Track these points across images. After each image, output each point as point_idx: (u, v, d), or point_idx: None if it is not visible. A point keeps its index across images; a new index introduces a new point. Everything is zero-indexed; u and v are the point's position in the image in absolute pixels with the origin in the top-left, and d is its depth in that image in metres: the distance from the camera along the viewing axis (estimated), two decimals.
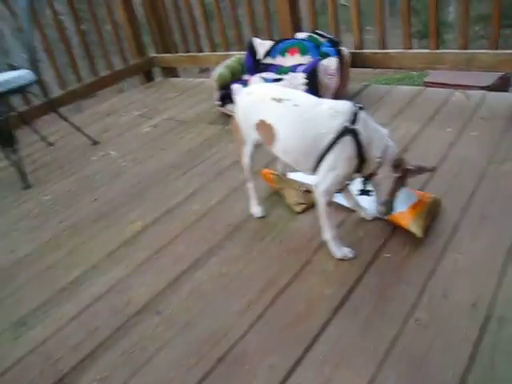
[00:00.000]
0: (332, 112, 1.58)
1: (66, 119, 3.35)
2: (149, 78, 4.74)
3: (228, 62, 3.48)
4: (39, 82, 2.99)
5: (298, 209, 2.01)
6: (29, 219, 2.53)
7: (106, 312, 1.71)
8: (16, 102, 3.72)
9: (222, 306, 1.62)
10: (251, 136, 1.83)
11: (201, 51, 4.28)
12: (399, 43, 3.02)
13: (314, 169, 1.64)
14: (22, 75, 2.83)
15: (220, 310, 1.60)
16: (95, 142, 3.38)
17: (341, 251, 1.69)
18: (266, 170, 2.24)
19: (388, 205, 1.66)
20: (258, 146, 1.88)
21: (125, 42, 4.54)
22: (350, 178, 1.67)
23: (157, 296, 1.73)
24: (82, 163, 3.10)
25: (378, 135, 1.58)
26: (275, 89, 1.81)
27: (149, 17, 4.45)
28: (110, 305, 1.74)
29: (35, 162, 3.32)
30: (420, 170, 1.62)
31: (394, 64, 3.03)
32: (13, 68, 3.09)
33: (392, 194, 1.64)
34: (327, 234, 1.69)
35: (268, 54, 3.35)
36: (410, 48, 2.95)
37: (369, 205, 1.85)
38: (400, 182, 1.62)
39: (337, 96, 2.91)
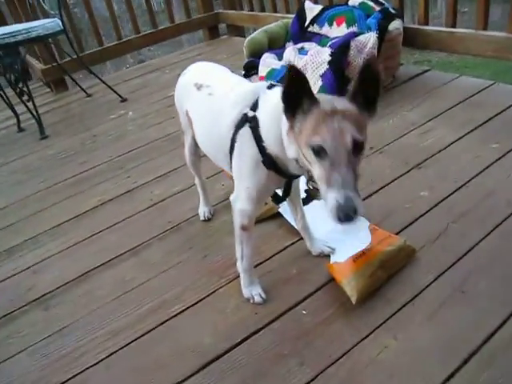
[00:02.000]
0: (235, 99, 1.18)
1: (95, 75, 3.30)
2: (214, 34, 4.48)
3: (271, 26, 3.05)
4: (66, 33, 2.91)
5: None
6: (23, 172, 2.54)
7: (9, 293, 1.62)
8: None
9: (102, 319, 1.40)
10: (187, 125, 1.50)
11: (263, 11, 3.86)
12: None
13: None
14: (46, 24, 2.77)
15: (97, 324, 1.39)
16: (123, 99, 3.28)
17: (248, 290, 1.33)
18: None
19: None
20: None
21: None
22: (272, 191, 1.25)
23: (57, 288, 1.57)
24: (100, 120, 3.03)
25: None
26: (207, 71, 1.43)
27: None
28: (18, 285, 1.64)
29: (68, 112, 3.37)
30: None
31: (460, 48, 2.33)
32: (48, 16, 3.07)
33: None
34: (239, 264, 1.33)
35: (315, 21, 2.84)
36: (485, 29, 2.22)
37: (323, 232, 1.44)
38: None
39: None
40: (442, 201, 1.57)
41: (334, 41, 2.35)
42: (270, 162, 1.11)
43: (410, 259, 1.35)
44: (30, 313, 1.50)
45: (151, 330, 1.31)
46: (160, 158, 2.32)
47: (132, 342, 1.29)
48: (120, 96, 3.29)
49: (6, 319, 1.49)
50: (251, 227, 1.26)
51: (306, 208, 1.45)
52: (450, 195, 1.59)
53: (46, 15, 3.38)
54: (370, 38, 2.26)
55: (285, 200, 1.30)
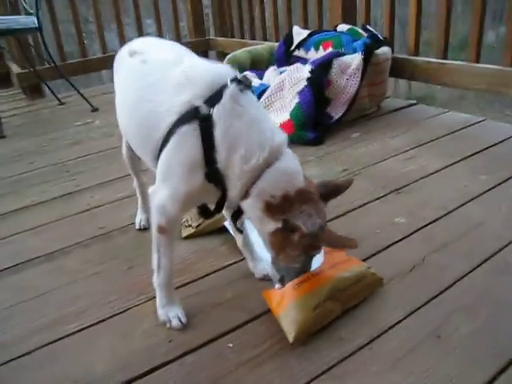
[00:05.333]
0: (182, 79, 0.94)
1: (70, 83, 3.15)
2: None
3: (256, 47, 2.95)
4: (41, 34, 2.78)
5: (184, 232, 1.39)
6: None
7: None
8: None
9: None
10: None
11: (254, 39, 3.78)
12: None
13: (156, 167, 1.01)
14: (20, 19, 2.63)
15: None
16: (94, 109, 3.08)
17: (164, 312, 1.04)
18: None
19: (277, 268, 1.00)
20: None
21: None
22: (203, 201, 1.02)
23: None
24: (63, 126, 2.80)
25: (256, 135, 0.89)
26: (152, 42, 1.21)
27: None
28: None
29: (34, 116, 3.15)
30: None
31: (449, 80, 2.18)
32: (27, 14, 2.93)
33: (277, 254, 0.95)
34: (155, 277, 1.05)
35: (301, 45, 2.71)
36: (477, 62, 2.08)
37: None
38: (293, 242, 0.90)
39: (357, 107, 2.18)
40: (420, 229, 1.33)
41: (315, 58, 2.18)
42: (215, 176, 0.90)
43: (373, 290, 1.07)
44: None
45: (35, 349, 1.01)
46: (114, 164, 2.06)
47: (7, 362, 0.98)
48: (91, 105, 3.09)
49: None
50: (171, 230, 1.00)
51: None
52: (430, 223, 1.35)
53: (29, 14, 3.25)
54: (354, 59, 2.11)
55: (214, 216, 1.06)
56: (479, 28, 2.04)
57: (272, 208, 0.89)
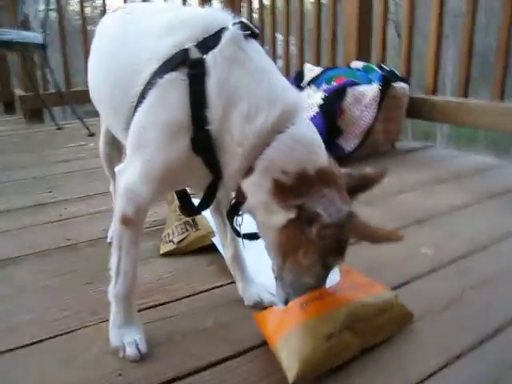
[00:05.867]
0: (172, 21, 0.75)
1: (70, 107, 3.07)
2: None
3: None
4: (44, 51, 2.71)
5: (163, 249, 1.14)
6: None
7: None
8: None
9: None
10: None
11: None
12: None
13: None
14: (23, 33, 2.56)
15: None
16: (91, 134, 2.94)
17: (119, 335, 0.78)
18: None
19: (282, 285, 0.75)
20: None
21: None
22: (185, 183, 0.80)
23: None
24: (55, 146, 2.65)
25: (265, 88, 0.68)
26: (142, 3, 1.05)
27: None
28: None
29: (31, 137, 3.01)
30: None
31: (471, 120, 2.01)
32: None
33: (285, 260, 0.71)
34: (111, 287, 0.79)
35: (313, 81, 2.60)
36: (501, 99, 1.93)
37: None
38: (309, 239, 0.67)
39: (371, 143, 2.00)
40: (451, 262, 1.09)
41: (329, 86, 2.05)
42: (205, 143, 0.68)
43: (400, 327, 0.81)
44: None
45: None
46: (97, 181, 1.86)
47: None
48: (89, 130, 2.95)
49: None
50: (139, 222, 0.77)
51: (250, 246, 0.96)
52: (463, 257, 1.10)
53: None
54: (371, 89, 1.96)
55: (199, 212, 0.83)
56: (504, 62, 1.90)
57: (283, 189, 0.66)
